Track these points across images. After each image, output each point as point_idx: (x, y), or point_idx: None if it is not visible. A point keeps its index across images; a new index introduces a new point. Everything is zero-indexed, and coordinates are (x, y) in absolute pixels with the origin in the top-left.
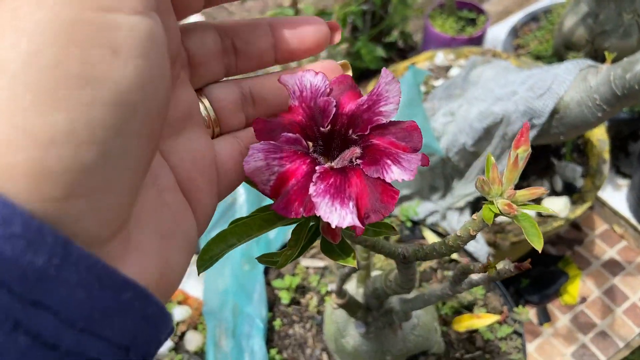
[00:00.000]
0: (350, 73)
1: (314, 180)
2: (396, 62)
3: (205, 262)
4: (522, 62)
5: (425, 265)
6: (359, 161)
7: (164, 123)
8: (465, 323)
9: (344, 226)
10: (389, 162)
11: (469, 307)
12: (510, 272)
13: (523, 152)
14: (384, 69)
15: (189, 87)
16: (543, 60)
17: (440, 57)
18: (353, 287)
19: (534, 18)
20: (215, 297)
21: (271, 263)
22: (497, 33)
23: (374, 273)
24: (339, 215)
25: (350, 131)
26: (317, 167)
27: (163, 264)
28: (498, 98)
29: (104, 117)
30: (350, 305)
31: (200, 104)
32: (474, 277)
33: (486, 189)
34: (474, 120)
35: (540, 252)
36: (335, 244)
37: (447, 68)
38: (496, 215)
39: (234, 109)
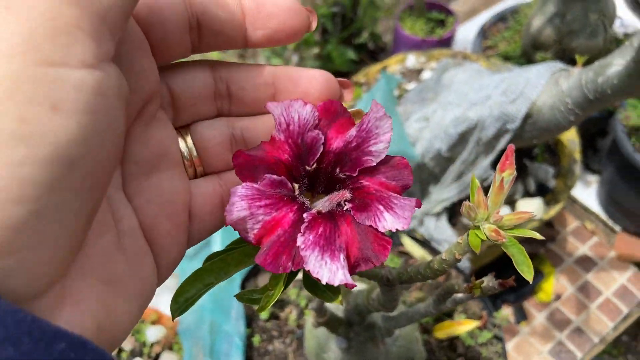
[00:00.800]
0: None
1: (302, 230)
2: (367, 64)
3: (181, 306)
4: (492, 64)
5: None
6: (348, 205)
7: (113, 172)
8: (446, 330)
9: (336, 284)
10: (381, 208)
11: (449, 314)
12: (495, 290)
13: (508, 175)
14: (374, 101)
15: (166, 126)
16: (512, 60)
17: (412, 59)
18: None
19: (501, 18)
20: (191, 315)
21: (252, 302)
22: (465, 33)
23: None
24: (329, 270)
25: (338, 170)
26: (304, 215)
27: (104, 312)
28: (472, 103)
29: (37, 174)
30: (331, 323)
31: (182, 142)
32: (458, 295)
33: (472, 214)
34: (449, 126)
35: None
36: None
37: (419, 71)
38: (483, 241)
39: (220, 150)
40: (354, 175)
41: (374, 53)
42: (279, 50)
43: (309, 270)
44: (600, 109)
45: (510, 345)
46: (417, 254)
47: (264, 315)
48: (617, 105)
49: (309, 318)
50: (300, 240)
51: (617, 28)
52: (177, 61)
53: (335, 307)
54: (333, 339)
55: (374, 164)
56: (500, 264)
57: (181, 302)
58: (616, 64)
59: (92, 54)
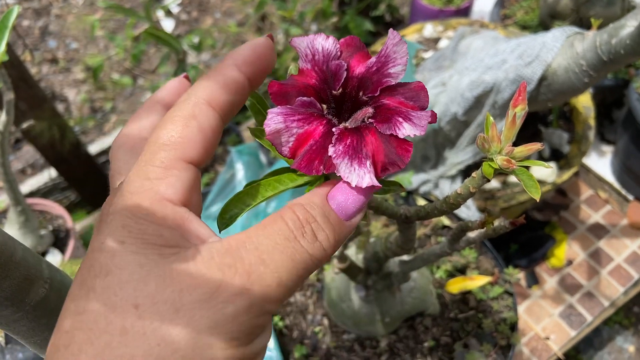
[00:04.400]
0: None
1: (332, 142)
2: (384, 35)
3: (226, 220)
4: (509, 32)
5: (420, 232)
6: (371, 120)
7: None
8: (459, 285)
9: (363, 186)
10: (400, 119)
11: (462, 270)
12: (506, 228)
13: (521, 110)
14: (391, 30)
15: None
16: (529, 29)
17: (429, 29)
18: (353, 253)
19: None
20: None
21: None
22: (483, 3)
23: (372, 240)
24: (357, 175)
25: (361, 93)
26: (334, 129)
27: None
28: (488, 67)
29: None
30: (351, 270)
31: None
32: (471, 235)
33: (486, 146)
34: (465, 89)
35: (531, 214)
36: None
37: (436, 40)
38: (496, 170)
39: None
40: (376, 95)
41: (391, 25)
42: (297, 20)
43: (340, 176)
44: (613, 70)
45: (521, 308)
46: None
47: None
48: (632, 74)
49: (329, 272)
50: (331, 150)
51: None
52: None
53: (355, 257)
54: (351, 289)
55: (393, 83)
56: (514, 230)
57: (226, 218)
58: (629, 25)
59: None
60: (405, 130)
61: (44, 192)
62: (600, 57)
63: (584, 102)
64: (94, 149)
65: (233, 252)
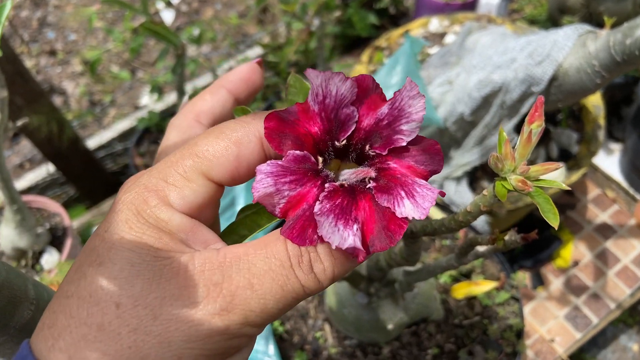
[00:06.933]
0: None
1: (320, 198)
2: (388, 29)
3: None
4: (518, 27)
5: None
6: (371, 184)
7: None
8: (464, 290)
9: (344, 247)
10: (402, 194)
11: (467, 275)
12: (517, 243)
13: (537, 127)
14: (408, 79)
15: None
16: (538, 24)
17: (435, 23)
18: None
19: None
20: None
21: None
22: None
23: None
24: (340, 236)
25: (367, 147)
26: (326, 185)
27: None
28: (497, 66)
29: None
30: (353, 278)
31: None
32: (480, 248)
33: (499, 165)
34: (473, 89)
35: (537, 214)
36: None
37: (442, 35)
38: (509, 191)
39: None
40: (383, 154)
41: (395, 18)
42: (299, 14)
43: (321, 235)
44: (627, 71)
45: (526, 310)
46: (436, 217)
47: None
48: None
49: None
50: (317, 207)
51: None
52: None
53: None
54: (353, 295)
55: (405, 143)
56: (520, 231)
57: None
58: None
59: None
60: (405, 209)
61: (42, 187)
62: (614, 57)
63: (594, 101)
64: (92, 143)
65: (225, 269)
